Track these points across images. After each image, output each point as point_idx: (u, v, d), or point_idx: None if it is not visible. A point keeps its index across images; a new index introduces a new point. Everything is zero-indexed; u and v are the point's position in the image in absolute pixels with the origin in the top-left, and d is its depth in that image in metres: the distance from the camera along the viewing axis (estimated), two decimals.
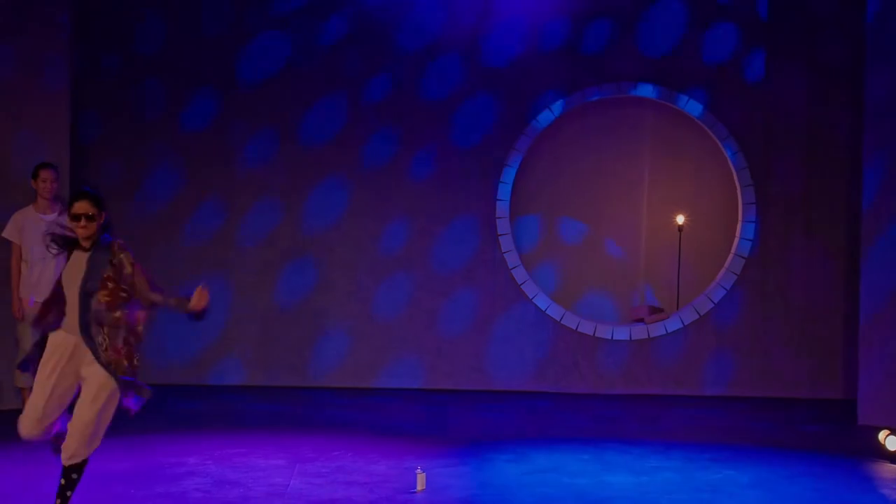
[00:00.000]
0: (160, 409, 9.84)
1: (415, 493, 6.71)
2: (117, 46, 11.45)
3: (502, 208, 11.57)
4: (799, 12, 11.51)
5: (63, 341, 5.84)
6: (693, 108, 11.58)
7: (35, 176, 9.02)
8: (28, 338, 8.88)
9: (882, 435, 8.19)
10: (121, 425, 6.14)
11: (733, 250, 11.66)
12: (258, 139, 11.54)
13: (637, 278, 12.31)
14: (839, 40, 11.41)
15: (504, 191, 11.57)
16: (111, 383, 5.77)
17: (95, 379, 5.78)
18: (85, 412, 5.75)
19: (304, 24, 11.56)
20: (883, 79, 9.82)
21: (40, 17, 10.00)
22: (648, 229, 12.22)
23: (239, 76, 11.54)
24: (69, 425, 5.82)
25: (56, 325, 5.91)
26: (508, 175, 11.58)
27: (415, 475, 6.84)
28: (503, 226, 11.55)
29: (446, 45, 11.62)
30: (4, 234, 9.02)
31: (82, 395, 5.81)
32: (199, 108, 11.52)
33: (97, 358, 5.76)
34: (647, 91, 11.62)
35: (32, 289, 8.95)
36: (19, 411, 8.97)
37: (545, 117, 11.61)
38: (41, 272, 8.93)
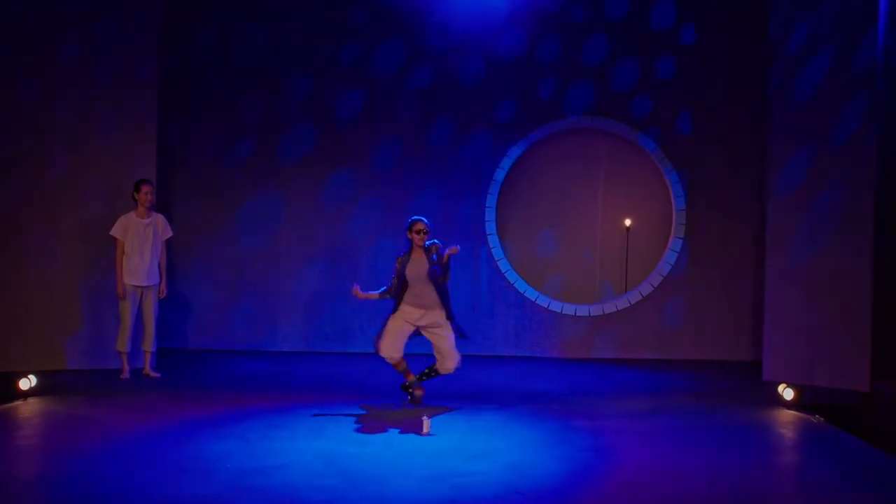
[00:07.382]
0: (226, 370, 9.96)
1: (422, 434, 6.70)
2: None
3: (489, 214, 11.64)
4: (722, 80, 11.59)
5: (412, 310, 7.74)
6: (642, 138, 11.63)
7: (137, 189, 9.09)
8: (127, 313, 9.06)
9: (781, 387, 8.26)
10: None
11: (668, 246, 11.75)
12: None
13: (595, 267, 12.39)
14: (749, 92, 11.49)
15: (491, 200, 11.63)
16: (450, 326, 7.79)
17: (446, 325, 7.81)
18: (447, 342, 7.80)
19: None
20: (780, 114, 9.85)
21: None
22: (603, 230, 12.29)
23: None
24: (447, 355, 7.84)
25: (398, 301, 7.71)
26: (494, 188, 11.65)
27: (422, 421, 6.83)
28: (490, 227, 11.63)
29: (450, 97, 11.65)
30: (112, 233, 9.07)
31: (442, 334, 7.81)
32: None
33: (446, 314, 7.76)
34: (605, 124, 11.67)
35: (130, 275, 9.04)
36: (120, 370, 9.20)
37: (523, 143, 11.68)
38: (137, 263, 9.04)
